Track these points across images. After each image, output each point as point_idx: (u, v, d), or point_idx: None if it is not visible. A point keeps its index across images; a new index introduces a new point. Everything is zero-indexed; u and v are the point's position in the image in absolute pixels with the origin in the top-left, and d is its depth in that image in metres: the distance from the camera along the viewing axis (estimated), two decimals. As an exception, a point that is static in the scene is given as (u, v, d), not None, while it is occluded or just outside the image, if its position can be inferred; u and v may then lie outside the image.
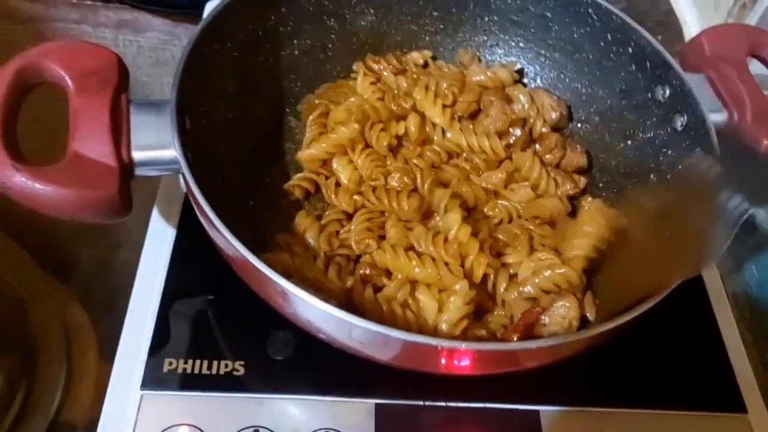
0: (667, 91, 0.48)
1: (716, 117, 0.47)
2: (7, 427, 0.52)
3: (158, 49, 0.70)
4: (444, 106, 0.52)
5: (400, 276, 0.43)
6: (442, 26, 0.58)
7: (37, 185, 0.35)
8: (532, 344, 0.36)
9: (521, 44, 0.57)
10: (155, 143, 0.39)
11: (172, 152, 0.38)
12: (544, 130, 0.54)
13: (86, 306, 0.65)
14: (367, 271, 0.43)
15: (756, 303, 0.62)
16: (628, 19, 0.50)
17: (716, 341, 0.48)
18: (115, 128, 0.38)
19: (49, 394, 0.55)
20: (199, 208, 0.38)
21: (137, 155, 0.39)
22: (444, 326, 0.41)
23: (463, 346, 0.34)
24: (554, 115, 0.54)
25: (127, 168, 0.38)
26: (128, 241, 0.66)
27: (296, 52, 0.54)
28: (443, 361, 0.37)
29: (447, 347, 0.34)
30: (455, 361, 0.37)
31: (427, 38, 0.58)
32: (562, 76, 0.56)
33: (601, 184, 0.53)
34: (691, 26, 0.74)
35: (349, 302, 0.42)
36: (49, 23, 0.69)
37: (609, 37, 0.51)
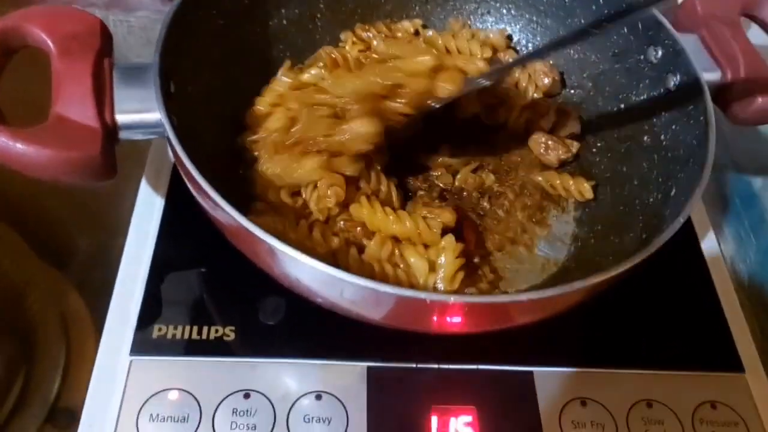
0: (660, 52, 0.48)
1: (709, 76, 0.47)
2: (7, 413, 0.52)
3: (149, 28, 0.70)
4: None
5: (380, 233, 0.43)
6: (434, -4, 0.57)
7: (19, 145, 0.34)
8: (523, 296, 0.35)
9: (512, 11, 0.57)
10: (139, 106, 0.39)
11: (156, 115, 0.38)
12: (536, 96, 0.54)
13: (84, 293, 0.64)
14: (342, 224, 0.42)
15: (754, 272, 0.61)
16: (618, -20, 0.49)
17: (713, 302, 0.48)
18: (98, 91, 0.38)
19: (47, 380, 0.55)
20: (184, 171, 0.37)
21: (121, 118, 0.38)
22: (440, 284, 0.41)
23: (451, 299, 0.34)
24: (546, 81, 0.54)
25: (110, 130, 0.38)
26: (125, 228, 0.66)
27: (284, 22, 0.53)
28: (434, 318, 0.36)
29: (436, 300, 0.34)
30: (446, 318, 0.36)
31: (417, 7, 0.58)
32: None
33: (594, 149, 0.53)
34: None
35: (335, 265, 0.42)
36: (41, 3, 0.69)
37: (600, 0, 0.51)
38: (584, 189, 0.50)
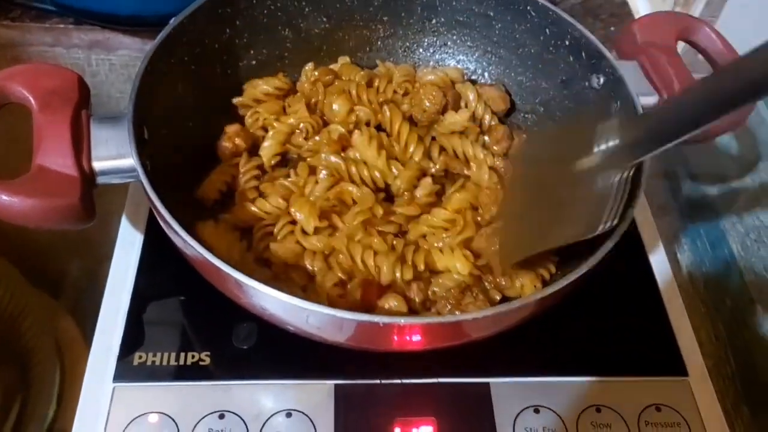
0: (602, 79, 0.51)
1: (648, 99, 0.50)
2: None
3: (129, 66, 0.73)
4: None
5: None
6: (392, 30, 0.61)
7: (3, 196, 0.38)
8: (468, 316, 0.38)
9: (468, 43, 0.60)
10: (114, 153, 0.42)
11: (131, 161, 0.41)
12: (492, 123, 0.57)
13: (77, 318, 0.67)
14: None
15: (708, 277, 0.64)
16: (563, 14, 0.53)
17: (660, 311, 0.51)
18: (76, 141, 0.41)
19: (43, 405, 0.57)
20: (156, 211, 0.41)
21: (98, 165, 0.42)
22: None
23: (401, 321, 0.37)
24: (502, 107, 0.57)
25: (88, 177, 0.41)
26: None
27: (254, 62, 0.57)
28: (391, 338, 0.40)
29: (388, 323, 0.37)
30: (402, 337, 0.39)
31: (379, 42, 0.61)
32: (508, 70, 0.59)
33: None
34: (644, 16, 0.77)
35: (275, 277, 0.46)
36: (25, 47, 0.73)
37: (547, 31, 0.55)
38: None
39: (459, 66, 0.61)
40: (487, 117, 0.57)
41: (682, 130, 0.34)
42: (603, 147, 0.38)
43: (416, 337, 0.40)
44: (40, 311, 0.63)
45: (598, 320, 0.50)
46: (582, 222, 0.40)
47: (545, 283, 0.47)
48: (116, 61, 0.74)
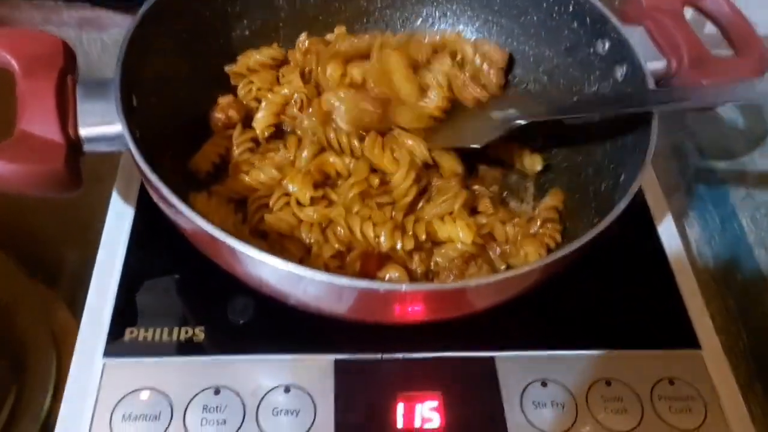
0: (607, 44, 0.50)
1: (656, 65, 0.49)
2: None
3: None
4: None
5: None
6: (390, 0, 0.59)
7: (-16, 161, 0.36)
8: (472, 282, 0.37)
9: (468, 12, 0.59)
10: (101, 120, 0.40)
11: (118, 127, 0.40)
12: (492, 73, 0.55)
13: (73, 309, 0.66)
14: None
15: (718, 253, 0.63)
16: (566, -22, 0.51)
17: (670, 283, 0.49)
18: (61, 107, 0.40)
19: (38, 396, 0.56)
20: (145, 179, 0.39)
21: (84, 132, 0.40)
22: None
23: (403, 288, 0.36)
24: (497, 57, 0.56)
25: (74, 144, 0.40)
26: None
27: (247, 33, 0.55)
28: (392, 307, 0.38)
29: (389, 289, 0.35)
30: (404, 307, 0.38)
31: (376, 13, 0.59)
32: (510, 40, 0.57)
33: (552, 141, 0.54)
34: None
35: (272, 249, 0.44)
36: (14, 25, 0.71)
37: (550, -3, 0.53)
38: (534, 161, 0.52)
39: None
40: (486, 66, 0.55)
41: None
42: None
43: (419, 307, 0.38)
44: (36, 302, 0.62)
45: (607, 292, 0.48)
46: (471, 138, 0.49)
47: (551, 252, 0.46)
48: (108, 40, 0.72)
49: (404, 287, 0.36)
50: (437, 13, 0.60)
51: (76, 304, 0.66)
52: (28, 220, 0.68)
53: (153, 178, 0.38)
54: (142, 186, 0.50)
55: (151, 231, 0.47)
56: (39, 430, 0.54)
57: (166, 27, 0.48)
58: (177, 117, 0.48)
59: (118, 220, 0.49)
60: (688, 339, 0.46)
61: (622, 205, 0.39)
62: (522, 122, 0.48)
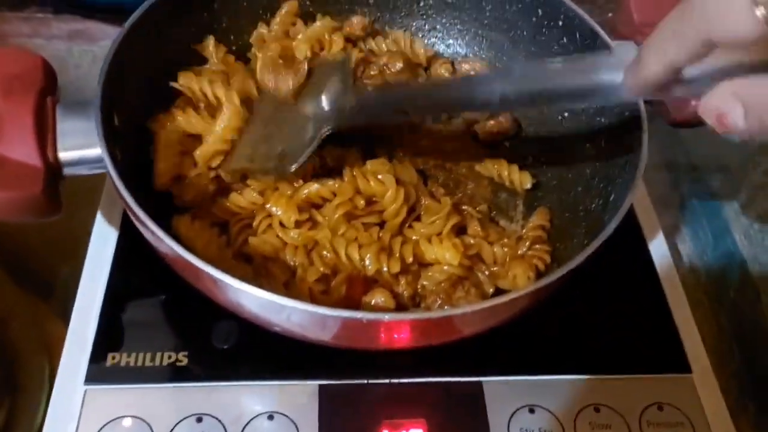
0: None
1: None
2: None
3: (113, 58, 0.71)
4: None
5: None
6: (378, 14, 0.58)
7: (-40, 188, 0.35)
8: (458, 311, 0.36)
9: (458, 26, 0.58)
10: (82, 142, 0.39)
11: (98, 150, 0.39)
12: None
13: (65, 322, 0.65)
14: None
15: (710, 268, 0.62)
16: (555, -7, 0.51)
17: (662, 306, 0.49)
18: (39, 129, 0.39)
19: (31, 408, 0.56)
20: (126, 205, 0.38)
21: (64, 155, 0.39)
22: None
23: (386, 317, 0.35)
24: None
25: (53, 168, 0.39)
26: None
27: (233, 48, 0.54)
28: (376, 335, 0.37)
29: (372, 319, 0.35)
30: (388, 334, 0.37)
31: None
32: (499, 54, 0.57)
33: (542, 158, 0.54)
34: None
35: (256, 273, 0.43)
36: (3, 39, 0.70)
37: (540, 11, 0.52)
38: (523, 178, 0.51)
39: (449, 50, 0.59)
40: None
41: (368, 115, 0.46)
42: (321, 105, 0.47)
43: (403, 335, 0.38)
44: (28, 314, 0.62)
45: (596, 315, 0.48)
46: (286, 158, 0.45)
47: (540, 275, 0.45)
48: (99, 53, 0.71)
49: (387, 317, 0.35)
50: (427, 27, 0.59)
51: (68, 317, 0.66)
52: (20, 233, 0.67)
53: (132, 204, 0.37)
54: (125, 210, 0.49)
55: (135, 254, 0.47)
56: (32, 443, 0.54)
57: (149, 45, 0.47)
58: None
59: (102, 243, 0.48)
60: (678, 363, 0.45)
61: (611, 227, 0.39)
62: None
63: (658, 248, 0.52)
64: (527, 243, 0.47)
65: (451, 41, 0.59)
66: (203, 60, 0.52)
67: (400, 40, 0.56)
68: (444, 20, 0.58)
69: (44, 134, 0.39)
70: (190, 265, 0.35)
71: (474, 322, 0.38)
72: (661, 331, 0.47)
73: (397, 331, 0.37)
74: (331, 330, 0.37)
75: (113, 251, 0.47)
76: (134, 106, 0.45)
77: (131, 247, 0.47)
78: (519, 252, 0.46)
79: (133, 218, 0.39)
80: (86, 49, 0.71)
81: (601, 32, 0.48)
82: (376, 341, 0.38)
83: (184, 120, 0.46)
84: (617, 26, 0.52)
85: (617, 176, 0.45)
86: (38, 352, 0.59)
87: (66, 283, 0.70)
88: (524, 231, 0.48)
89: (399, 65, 0.52)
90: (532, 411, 0.42)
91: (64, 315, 0.65)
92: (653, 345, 0.46)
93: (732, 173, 0.64)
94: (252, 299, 0.35)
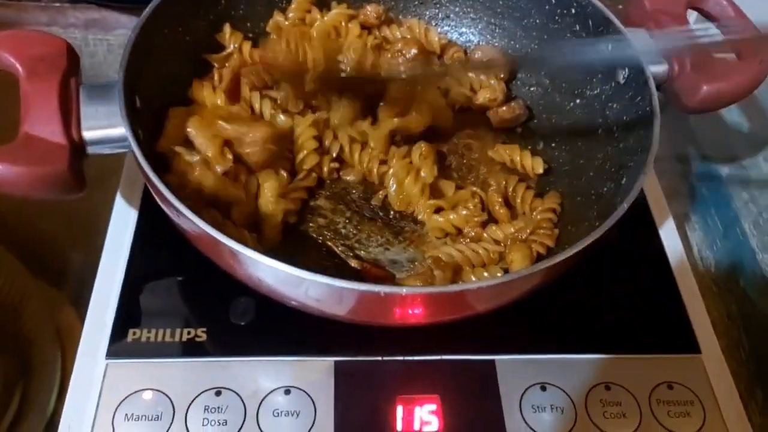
0: (610, 47, 0.49)
1: (657, 68, 0.49)
2: (5, 429, 0.53)
3: (128, 46, 0.72)
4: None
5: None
6: (394, 2, 0.59)
7: (-11, 163, 0.36)
8: (472, 285, 0.37)
9: (471, 15, 0.59)
10: (105, 122, 0.41)
11: (122, 130, 0.40)
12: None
13: (78, 309, 0.66)
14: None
15: (720, 258, 0.62)
16: (568, -19, 0.51)
17: (671, 287, 0.49)
18: (64, 109, 0.40)
19: (44, 395, 0.57)
20: (148, 181, 0.39)
21: (87, 134, 0.40)
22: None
23: (403, 291, 0.36)
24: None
25: (77, 146, 0.40)
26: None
27: (250, 35, 0.55)
28: (392, 310, 0.38)
29: (389, 293, 0.36)
30: (404, 309, 0.38)
31: (380, 16, 0.59)
32: (513, 42, 0.58)
33: (553, 144, 0.54)
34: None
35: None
36: (20, 27, 0.71)
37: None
38: (535, 163, 0.52)
39: (462, 39, 0.59)
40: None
41: None
42: None
43: (418, 309, 0.38)
44: (41, 301, 0.63)
45: (608, 296, 0.48)
46: None
47: (540, 259, 0.46)
48: (114, 41, 0.72)
49: (404, 290, 0.36)
50: (440, 15, 0.60)
51: (81, 304, 0.67)
52: (34, 221, 0.68)
53: (156, 180, 0.38)
54: (145, 188, 0.50)
55: (155, 233, 0.48)
56: (45, 427, 0.55)
57: (169, 30, 0.48)
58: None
59: (122, 222, 0.49)
60: (688, 343, 0.46)
61: (624, 207, 0.39)
62: None
63: (668, 233, 0.52)
64: (531, 227, 0.47)
65: (464, 29, 0.59)
66: (221, 47, 0.53)
67: (415, 28, 0.57)
68: (457, 9, 0.59)
69: (68, 114, 0.40)
70: (213, 239, 0.36)
71: (488, 298, 0.39)
72: (671, 312, 0.48)
73: (413, 305, 0.38)
74: (348, 304, 0.38)
75: (133, 230, 0.48)
76: (153, 90, 0.46)
77: (151, 226, 0.48)
78: (522, 236, 0.47)
79: (155, 194, 0.40)
80: (101, 38, 0.72)
81: (615, 20, 0.49)
82: (392, 316, 0.39)
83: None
84: (629, 13, 0.53)
85: (629, 161, 0.45)
86: (51, 338, 0.61)
87: (78, 272, 0.71)
88: (534, 214, 0.49)
89: (414, 51, 0.53)
90: (543, 389, 0.43)
91: (76, 302, 0.66)
92: (663, 326, 0.47)
93: (741, 162, 0.64)
94: (271, 272, 0.36)
